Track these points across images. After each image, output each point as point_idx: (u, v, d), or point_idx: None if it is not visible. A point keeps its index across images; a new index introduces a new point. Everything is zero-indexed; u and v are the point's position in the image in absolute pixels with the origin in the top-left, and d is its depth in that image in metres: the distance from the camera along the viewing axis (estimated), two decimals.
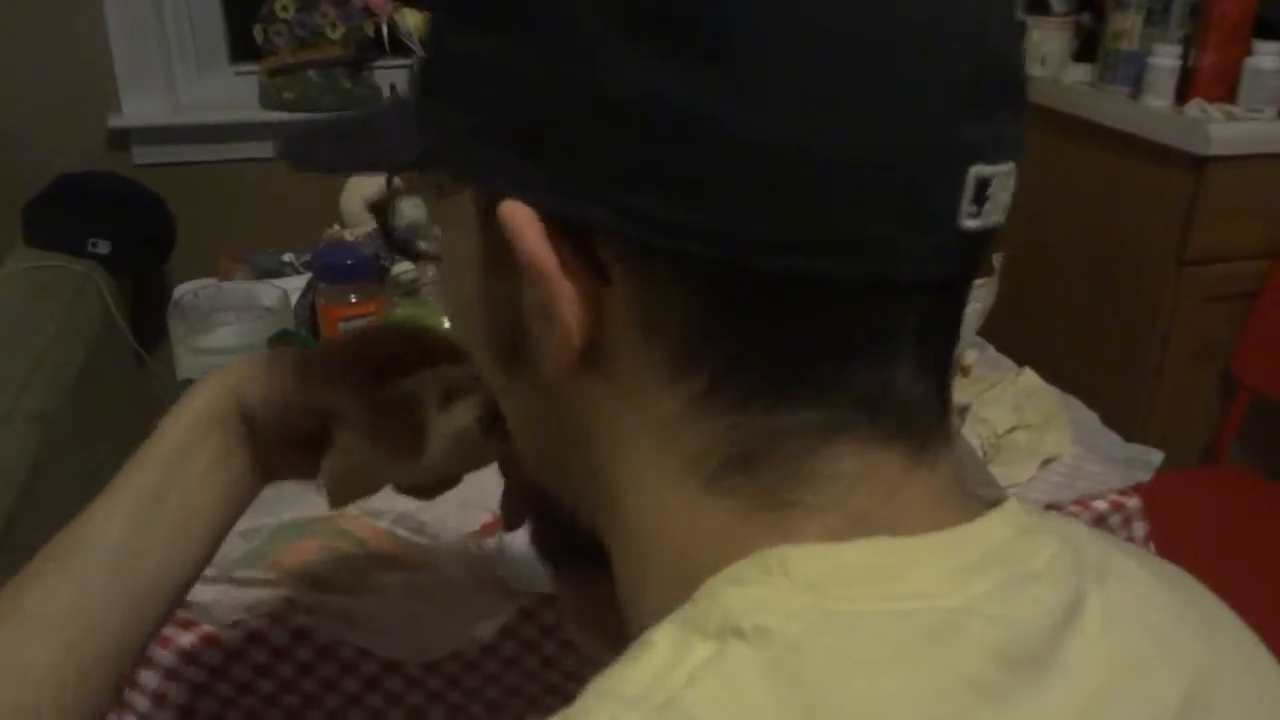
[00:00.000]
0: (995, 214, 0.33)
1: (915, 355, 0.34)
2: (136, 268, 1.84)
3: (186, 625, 0.81)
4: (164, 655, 0.80)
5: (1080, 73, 2.01)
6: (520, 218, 0.34)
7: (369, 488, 0.56)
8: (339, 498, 0.56)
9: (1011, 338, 1.37)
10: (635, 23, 0.31)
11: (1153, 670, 0.35)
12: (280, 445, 0.55)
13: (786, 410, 0.33)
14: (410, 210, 1.01)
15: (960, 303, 0.36)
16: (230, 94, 2.01)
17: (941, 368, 0.36)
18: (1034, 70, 2.06)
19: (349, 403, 0.52)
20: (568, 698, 0.31)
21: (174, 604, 0.53)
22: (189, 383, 1.03)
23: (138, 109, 1.92)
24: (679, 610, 0.32)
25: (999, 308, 1.19)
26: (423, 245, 0.50)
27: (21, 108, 1.86)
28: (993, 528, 0.35)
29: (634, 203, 0.32)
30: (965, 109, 0.32)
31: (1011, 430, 1.16)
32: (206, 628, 0.80)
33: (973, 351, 1.25)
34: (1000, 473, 1.08)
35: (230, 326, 1.04)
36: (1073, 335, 2.01)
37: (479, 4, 0.35)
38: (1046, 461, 1.15)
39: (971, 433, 1.09)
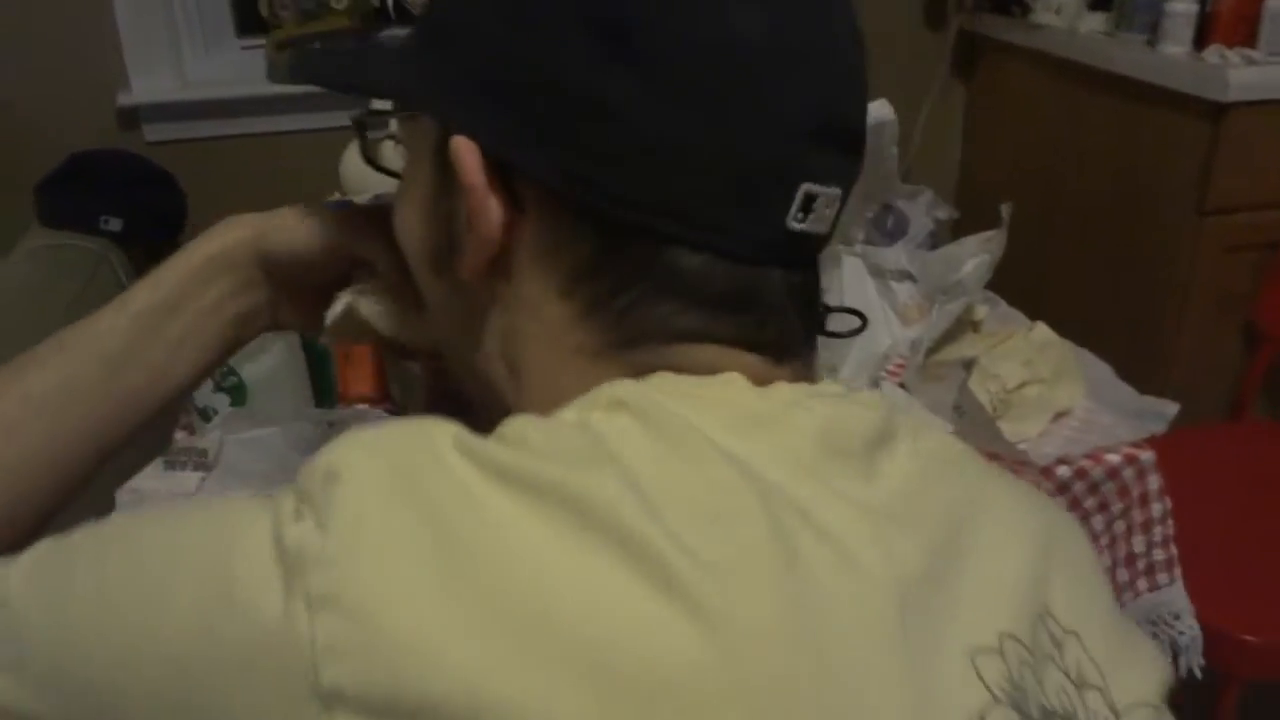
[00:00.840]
0: (820, 224, 0.45)
1: (778, 306, 0.45)
2: (148, 244, 1.84)
3: None
4: None
5: (1095, 21, 1.97)
6: (464, 148, 0.44)
7: (366, 335, 0.59)
8: (340, 336, 0.60)
9: (1025, 292, 1.35)
10: (582, 25, 0.41)
11: (949, 482, 0.45)
12: (292, 291, 0.60)
13: (656, 317, 0.44)
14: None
15: (806, 282, 0.47)
16: (237, 68, 2.01)
17: (794, 319, 0.46)
18: (1049, 19, 2.02)
19: (384, 253, 0.56)
20: None
21: (154, 416, 0.57)
22: None
23: (147, 86, 1.92)
24: (576, 401, 0.42)
25: (1012, 261, 1.16)
26: (387, 164, 0.58)
27: (32, 88, 1.87)
28: (826, 385, 0.46)
29: (551, 158, 0.43)
30: (809, 142, 0.43)
31: (1022, 385, 1.14)
32: None
33: (983, 307, 1.24)
34: (1009, 428, 1.06)
35: None
36: (1090, 288, 1.99)
37: None
38: (1058, 415, 1.14)
39: (980, 388, 1.07)
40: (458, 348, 0.51)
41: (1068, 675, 0.43)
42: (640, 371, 0.43)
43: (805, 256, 0.46)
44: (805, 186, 0.43)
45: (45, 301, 1.51)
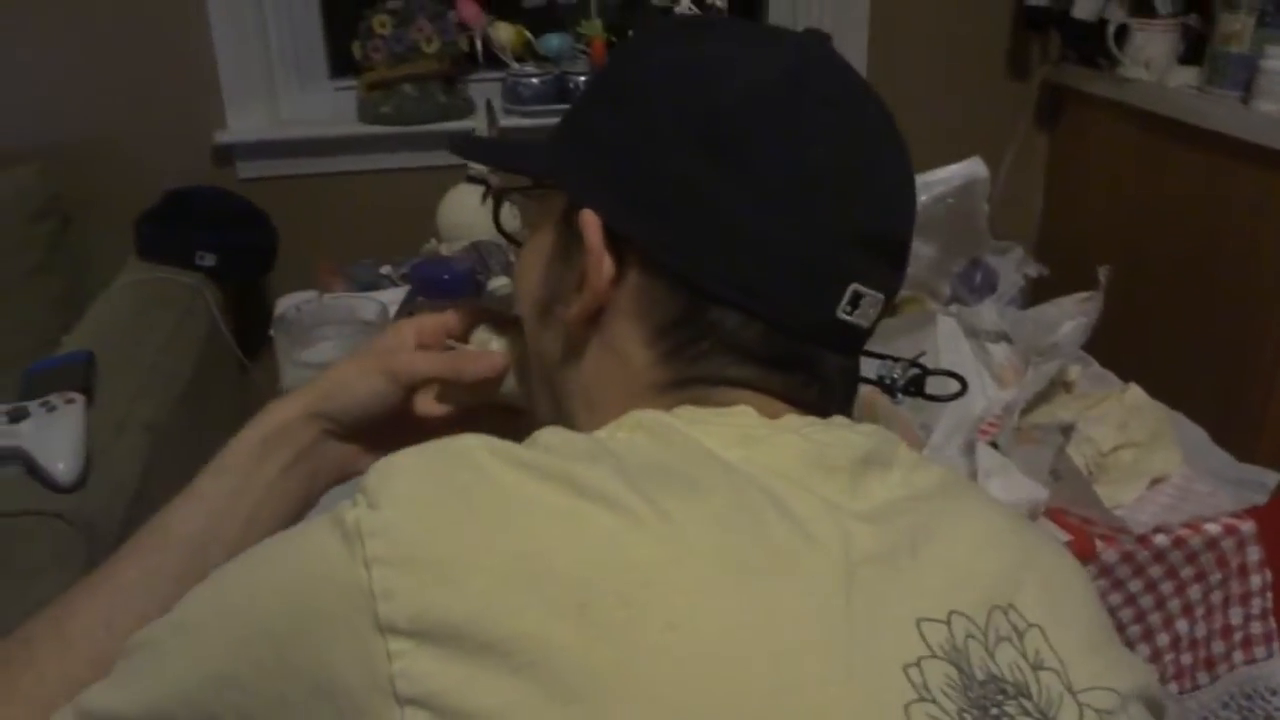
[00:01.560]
0: (864, 320, 0.55)
1: (810, 373, 0.55)
2: (240, 279, 1.90)
3: None
4: None
5: (1186, 75, 1.95)
6: (590, 219, 0.55)
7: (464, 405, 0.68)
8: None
9: (1116, 352, 1.33)
10: (695, 138, 0.53)
11: (932, 505, 0.51)
12: (372, 436, 0.67)
13: (716, 367, 0.54)
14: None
15: (848, 368, 0.57)
16: (330, 109, 2.06)
17: (834, 389, 0.56)
18: (1138, 73, 2.00)
19: (433, 363, 0.66)
20: None
21: None
22: None
23: (242, 125, 1.98)
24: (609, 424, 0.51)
25: (1103, 319, 1.15)
26: (517, 233, 0.70)
27: (134, 127, 1.93)
28: (826, 427, 0.54)
29: (658, 234, 0.54)
30: (862, 250, 0.54)
31: (1117, 449, 1.13)
32: None
33: (1076, 367, 1.22)
34: (1106, 492, 1.05)
35: (330, 341, 1.07)
36: (1180, 350, 1.95)
37: (609, 95, 0.58)
38: (1155, 481, 1.12)
39: (1076, 452, 1.06)
40: (546, 387, 0.61)
41: (1024, 656, 0.48)
42: (678, 404, 0.53)
43: (849, 344, 0.56)
44: (854, 286, 0.54)
45: (144, 333, 1.55)
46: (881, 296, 0.55)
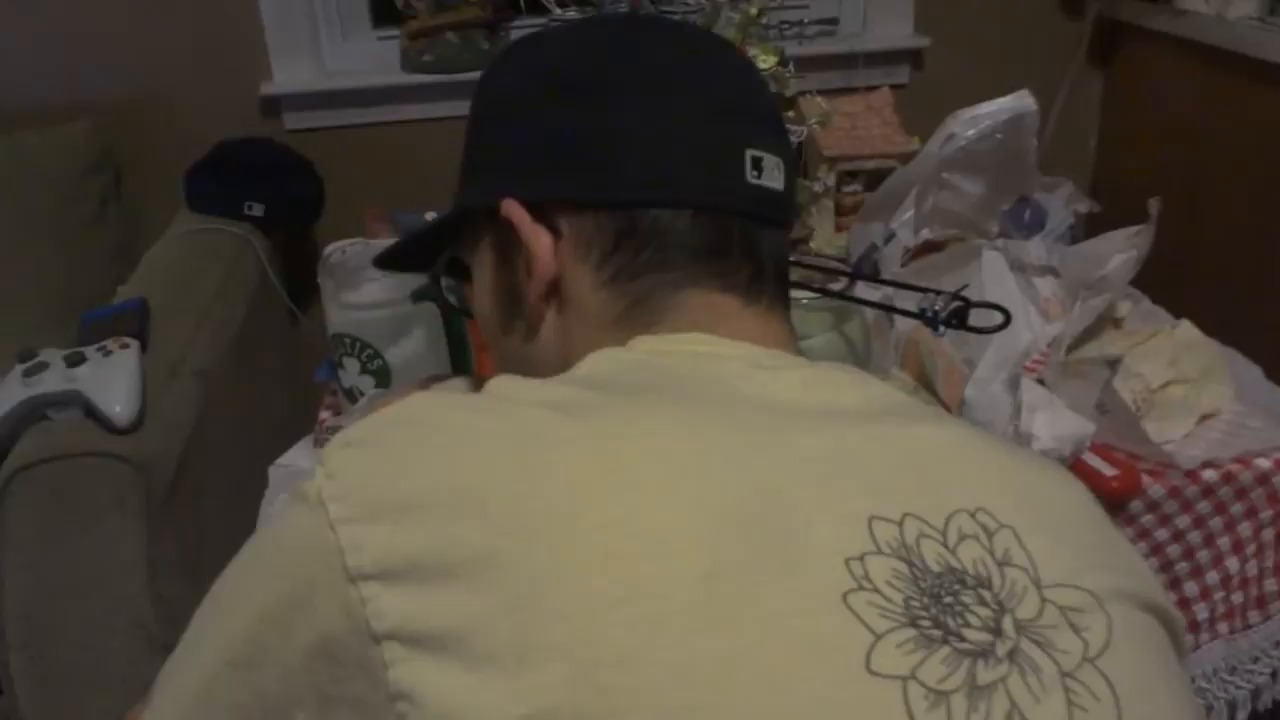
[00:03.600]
0: (771, 181, 0.60)
1: (752, 252, 0.59)
2: (288, 229, 1.92)
3: None
4: None
5: (1247, 7, 1.88)
6: (508, 206, 0.59)
7: None
8: None
9: (1167, 289, 1.31)
10: (548, 99, 0.60)
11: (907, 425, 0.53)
12: None
13: (657, 275, 0.58)
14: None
15: (775, 238, 0.61)
16: (373, 58, 2.06)
17: (770, 266, 0.60)
18: (1195, 5, 1.93)
19: None
20: None
21: None
22: (339, 338, 1.07)
23: (287, 76, 1.99)
24: None
25: (1153, 256, 1.13)
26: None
27: (182, 81, 1.95)
28: (822, 366, 0.57)
29: (565, 183, 0.59)
30: (738, 119, 0.60)
31: (1166, 385, 1.11)
32: None
33: (1126, 303, 1.20)
34: (1154, 429, 1.03)
35: (376, 282, 1.07)
36: (1237, 286, 1.90)
37: (474, 126, 0.65)
38: (1205, 417, 1.10)
39: (1125, 388, 1.04)
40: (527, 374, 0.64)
41: (990, 553, 0.47)
42: (642, 328, 0.57)
43: (771, 212, 0.60)
44: (750, 150, 0.59)
45: (195, 282, 1.58)
46: (779, 159, 0.60)
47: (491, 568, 0.42)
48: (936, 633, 0.43)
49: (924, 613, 0.44)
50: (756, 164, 0.59)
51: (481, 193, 0.62)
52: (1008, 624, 0.45)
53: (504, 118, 0.62)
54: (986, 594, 0.45)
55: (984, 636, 0.44)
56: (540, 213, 0.59)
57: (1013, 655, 0.44)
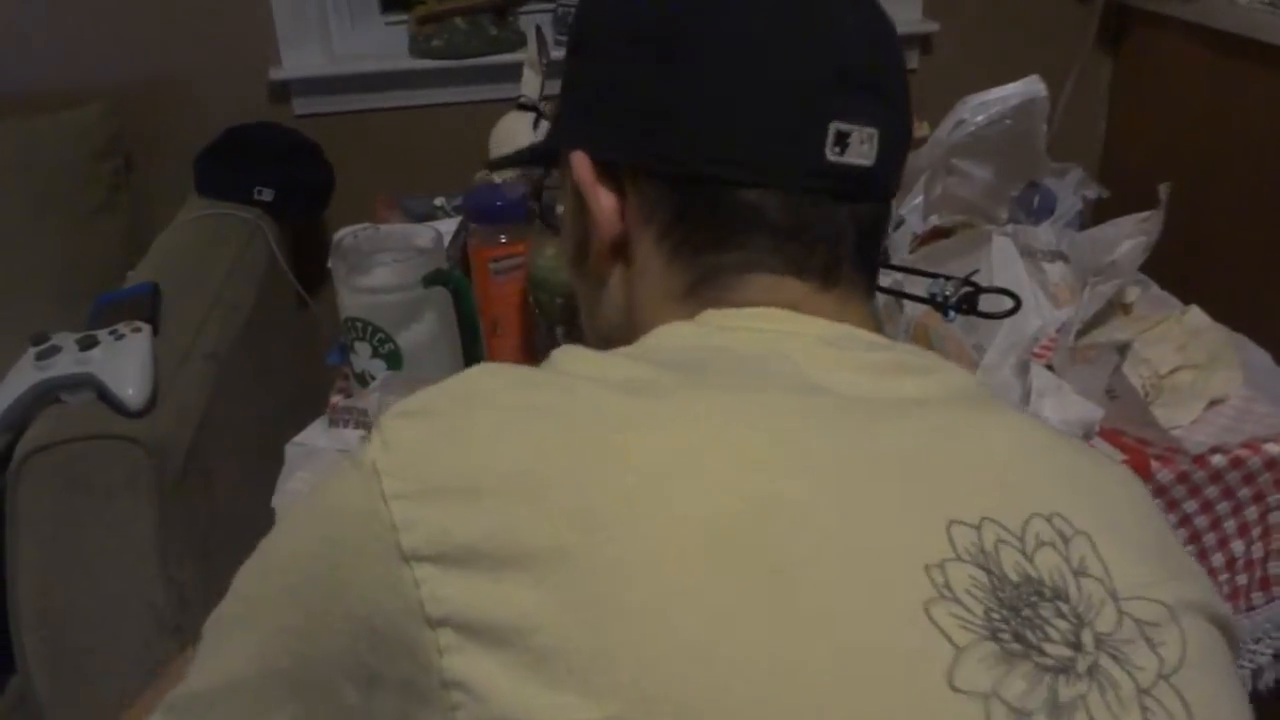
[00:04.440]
0: (857, 157, 0.55)
1: (830, 235, 0.56)
2: (298, 214, 1.92)
3: None
4: None
5: None
6: (576, 159, 0.59)
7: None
8: None
9: (1177, 275, 1.31)
10: (632, 49, 0.57)
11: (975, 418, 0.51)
12: None
13: (723, 254, 0.56)
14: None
15: (864, 214, 0.57)
16: (381, 44, 2.06)
17: (850, 247, 0.56)
18: None
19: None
20: None
21: None
22: (351, 322, 1.07)
23: (297, 62, 1.99)
24: None
25: (1163, 243, 1.13)
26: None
27: (192, 66, 1.96)
28: (894, 344, 0.55)
29: (636, 147, 0.57)
30: (831, 88, 0.54)
31: (1175, 371, 1.11)
32: None
33: (1135, 289, 1.20)
34: (1162, 414, 1.03)
35: (387, 266, 1.08)
36: (1246, 273, 1.90)
37: (572, 48, 0.63)
38: (1213, 403, 1.10)
39: (1133, 372, 1.05)
40: (590, 317, 0.65)
41: (1067, 561, 0.46)
42: (709, 304, 0.55)
43: (855, 188, 0.56)
44: (835, 125, 0.54)
45: (206, 266, 1.59)
46: (874, 130, 0.55)
47: (556, 560, 0.40)
48: (1017, 647, 0.42)
49: (1004, 625, 0.42)
50: (841, 139, 0.54)
51: (561, 132, 0.63)
52: (1087, 638, 0.43)
53: (592, 52, 0.60)
54: (1064, 606, 0.44)
55: (1065, 651, 0.43)
56: (607, 169, 0.58)
57: (1092, 671, 0.43)
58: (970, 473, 0.47)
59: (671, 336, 0.53)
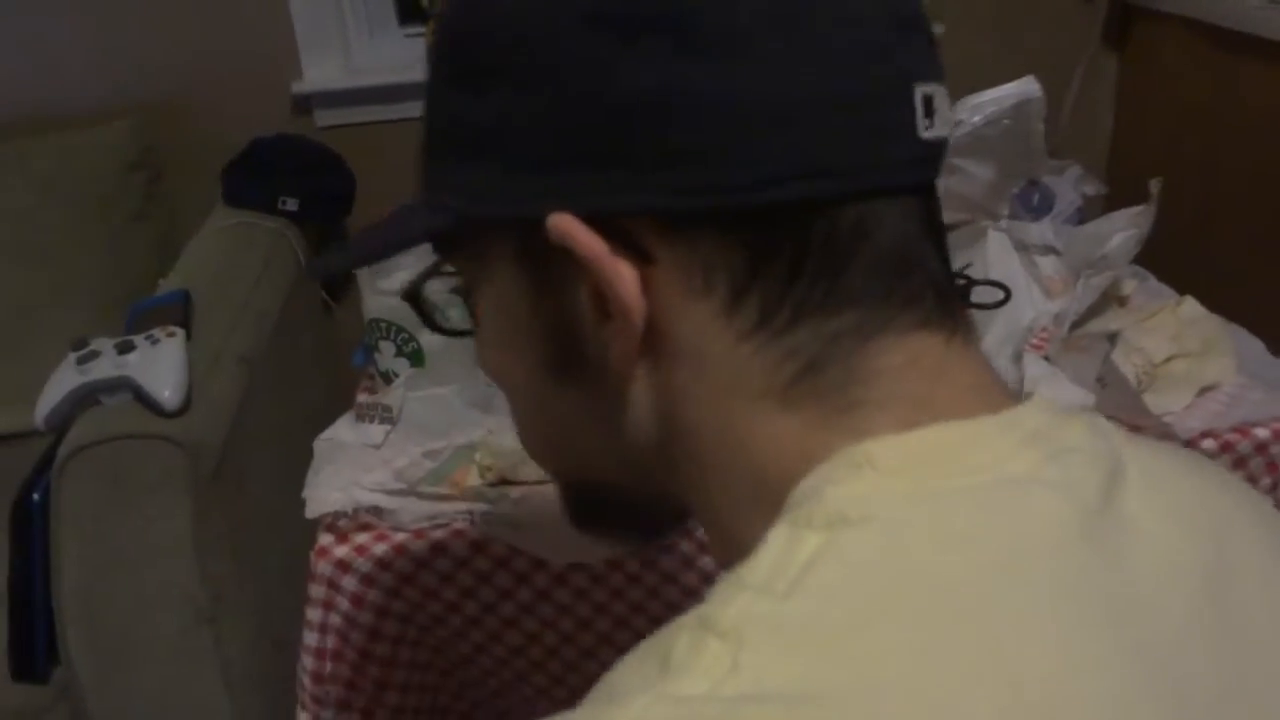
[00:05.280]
0: (944, 126, 0.40)
1: (927, 250, 0.40)
2: (322, 222, 1.98)
3: (381, 536, 0.91)
4: (361, 562, 0.90)
5: None
6: (567, 222, 0.38)
7: None
8: None
9: (1178, 269, 1.34)
10: (620, 33, 0.37)
11: (1193, 514, 0.39)
12: None
13: (831, 317, 0.38)
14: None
15: (938, 205, 0.42)
16: (400, 56, 2.12)
17: (948, 261, 0.42)
18: None
19: None
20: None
21: None
22: (375, 323, 1.13)
23: (318, 75, 2.05)
24: (785, 516, 0.36)
25: (1165, 237, 1.16)
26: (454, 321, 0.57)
27: (218, 82, 2.03)
28: (1032, 412, 0.39)
29: (655, 181, 0.38)
30: (896, 39, 0.39)
31: (1169, 360, 1.14)
32: (399, 538, 0.90)
33: (1131, 281, 1.24)
34: (1154, 401, 1.07)
35: (408, 270, 1.13)
36: (1247, 267, 1.93)
37: (471, 69, 0.41)
38: (1206, 389, 1.13)
39: (1126, 361, 1.08)
40: (589, 453, 0.47)
41: None
42: (837, 411, 0.38)
43: (938, 169, 0.41)
44: (919, 88, 0.39)
45: (234, 274, 1.64)
46: (943, 86, 0.40)
47: None
48: None
49: None
50: (928, 105, 0.39)
51: (504, 190, 0.41)
52: None
53: (522, 63, 0.39)
54: None
55: None
56: (607, 226, 0.38)
57: None
58: (1247, 637, 0.37)
59: (849, 519, 0.34)
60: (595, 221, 0.38)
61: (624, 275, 0.38)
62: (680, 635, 0.33)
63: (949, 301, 0.40)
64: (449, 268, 0.49)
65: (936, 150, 0.40)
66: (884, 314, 0.39)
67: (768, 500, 0.37)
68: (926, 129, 0.39)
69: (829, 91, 0.37)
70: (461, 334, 0.51)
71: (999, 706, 0.30)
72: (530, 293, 0.43)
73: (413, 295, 0.50)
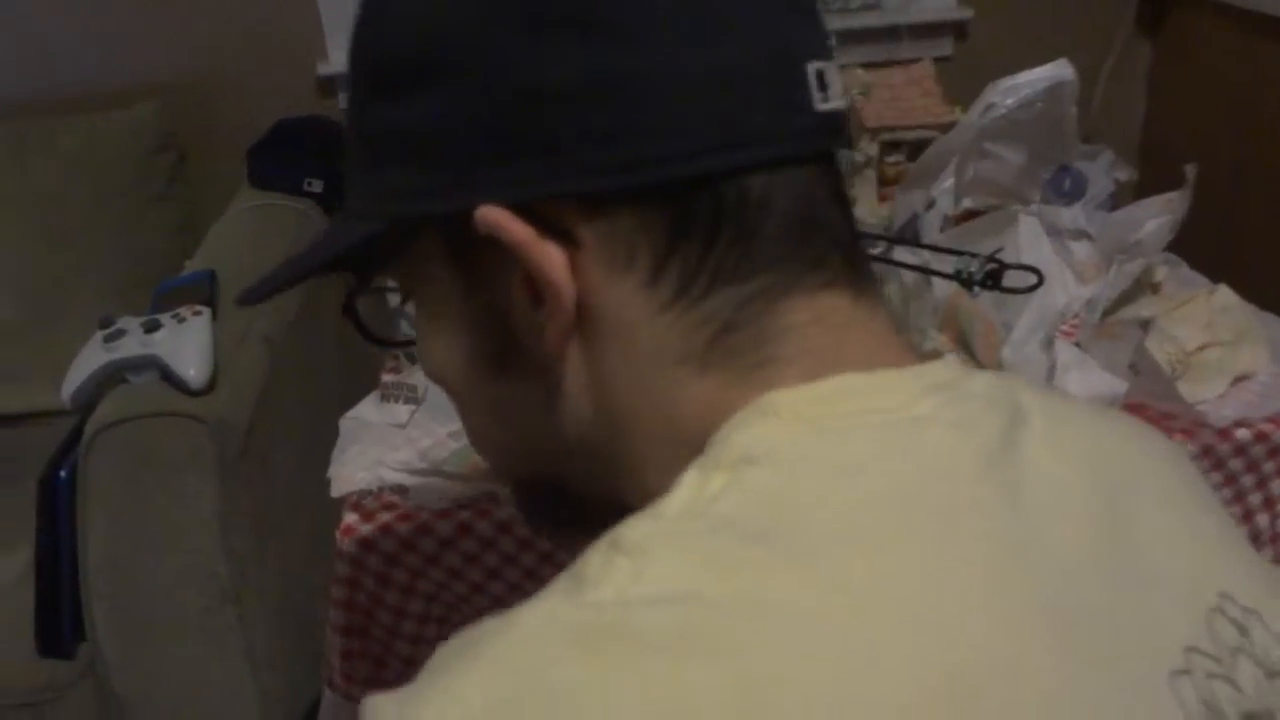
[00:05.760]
0: (839, 99, 0.43)
1: (833, 214, 0.43)
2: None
3: (405, 516, 0.91)
4: (386, 541, 0.90)
5: None
6: (494, 213, 0.40)
7: None
8: None
9: (1212, 256, 1.32)
10: (527, 25, 0.39)
11: (1093, 458, 0.41)
12: None
13: (745, 282, 0.41)
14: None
15: (841, 174, 0.44)
16: None
17: (854, 226, 0.44)
18: None
19: None
20: None
21: None
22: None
23: (342, 56, 2.04)
24: (696, 462, 0.38)
25: (1199, 224, 1.14)
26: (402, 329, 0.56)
27: (242, 63, 2.03)
28: (938, 368, 0.42)
29: (574, 165, 0.40)
30: (788, 22, 0.42)
31: (1202, 348, 1.13)
32: (423, 517, 0.90)
33: (1163, 268, 1.22)
34: (1187, 389, 1.05)
35: None
36: (1278, 254, 1.90)
37: (386, 77, 0.43)
38: (1240, 378, 1.12)
39: (1157, 349, 1.07)
40: (535, 449, 0.48)
41: (1260, 666, 0.38)
42: (750, 368, 0.40)
43: (839, 140, 0.44)
44: (813, 64, 0.42)
45: (259, 255, 1.65)
46: (833, 63, 0.43)
47: None
48: None
49: None
50: (821, 80, 0.42)
51: (429, 191, 0.42)
52: None
53: (435, 67, 0.41)
54: None
55: None
56: (533, 214, 0.40)
57: None
58: (1155, 586, 0.38)
59: (756, 442, 0.38)
60: (520, 210, 0.40)
61: (553, 258, 0.40)
62: (593, 555, 0.35)
63: (855, 263, 0.43)
64: (387, 282, 0.50)
65: (835, 122, 0.43)
66: (792, 276, 0.41)
67: (688, 459, 0.39)
68: (822, 102, 0.42)
69: (731, 67, 0.40)
70: (402, 345, 0.52)
71: (882, 625, 0.33)
72: (463, 288, 0.44)
73: (349, 310, 0.52)
